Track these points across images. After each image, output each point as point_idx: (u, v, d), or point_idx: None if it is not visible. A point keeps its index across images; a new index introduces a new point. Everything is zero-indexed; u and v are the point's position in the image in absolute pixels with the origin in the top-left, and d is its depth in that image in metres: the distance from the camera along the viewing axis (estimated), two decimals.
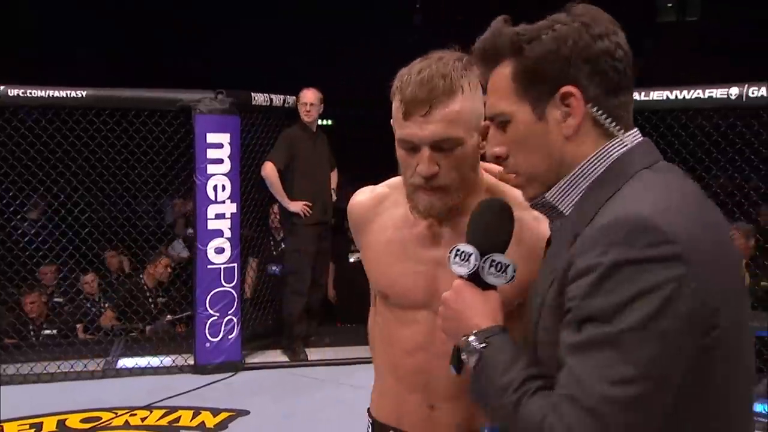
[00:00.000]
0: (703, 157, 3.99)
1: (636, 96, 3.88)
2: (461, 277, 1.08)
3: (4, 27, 6.39)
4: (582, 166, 0.98)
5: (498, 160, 1.05)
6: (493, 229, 1.09)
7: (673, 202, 0.91)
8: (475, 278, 1.07)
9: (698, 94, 3.69)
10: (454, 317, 1.06)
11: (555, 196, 1.01)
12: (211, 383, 4.36)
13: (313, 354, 4.82)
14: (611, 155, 0.97)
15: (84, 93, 4.44)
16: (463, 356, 1.02)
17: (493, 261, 1.07)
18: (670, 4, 8.98)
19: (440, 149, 1.21)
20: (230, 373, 4.51)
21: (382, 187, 1.44)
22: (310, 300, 4.89)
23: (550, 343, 0.94)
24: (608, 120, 0.97)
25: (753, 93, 3.61)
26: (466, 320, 1.04)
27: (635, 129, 1.00)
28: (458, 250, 1.08)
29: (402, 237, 1.35)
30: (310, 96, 4.79)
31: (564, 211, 1.00)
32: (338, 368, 4.58)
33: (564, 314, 0.91)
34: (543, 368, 0.96)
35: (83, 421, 3.76)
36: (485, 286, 1.07)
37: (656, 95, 3.78)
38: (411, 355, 1.34)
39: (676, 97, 3.74)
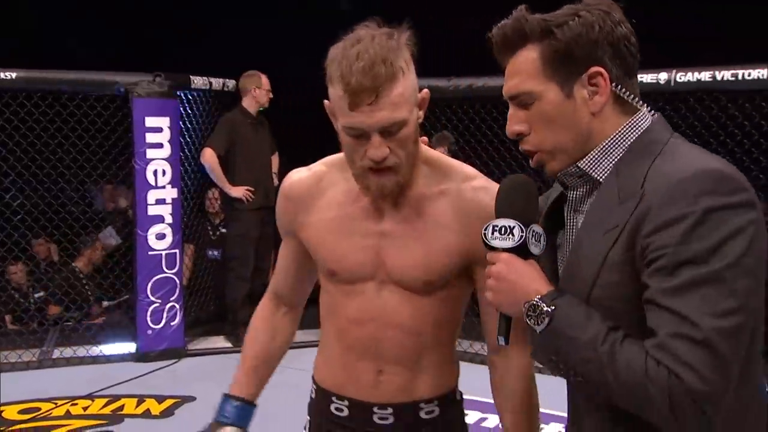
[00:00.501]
0: None
1: None
2: (504, 249, 1.10)
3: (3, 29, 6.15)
4: (615, 136, 1.08)
5: (519, 136, 1.12)
6: (528, 201, 1.14)
7: (722, 160, 1.03)
8: (518, 250, 1.10)
9: None
10: (508, 288, 1.09)
11: (589, 164, 1.09)
12: (154, 371, 4.31)
13: None
14: (640, 126, 1.08)
15: (14, 75, 4.28)
16: (529, 321, 1.06)
17: (533, 231, 1.11)
18: None
19: (388, 133, 1.24)
20: (173, 360, 4.47)
21: (318, 166, 1.44)
22: (253, 285, 4.88)
23: (612, 297, 1.02)
24: (631, 97, 1.08)
25: (681, 78, 3.78)
26: (523, 288, 1.08)
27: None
28: (496, 226, 1.11)
29: (347, 213, 1.37)
30: (268, 81, 4.78)
31: (599, 178, 1.08)
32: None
33: (641, 266, 0.99)
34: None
35: (21, 412, 3.66)
36: (526, 256, 1.10)
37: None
38: (360, 325, 1.37)
39: None
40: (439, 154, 1.41)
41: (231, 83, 4.98)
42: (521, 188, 1.14)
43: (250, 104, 4.77)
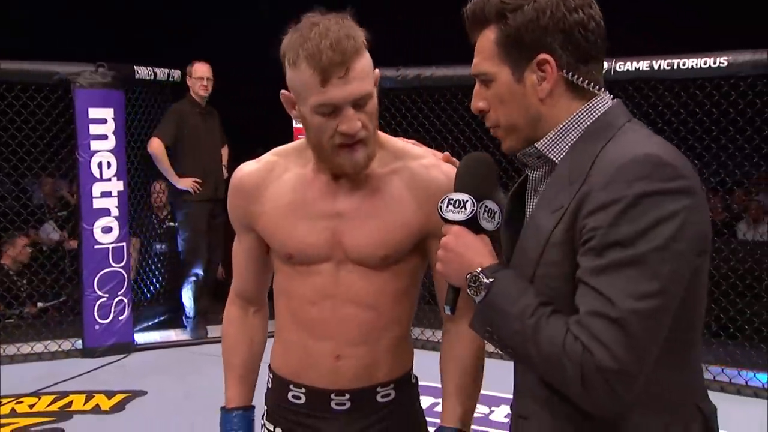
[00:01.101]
0: None
1: None
2: (456, 222, 1.15)
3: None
4: (571, 119, 1.10)
5: (481, 113, 1.16)
6: (484, 177, 1.18)
7: (669, 147, 1.06)
8: (470, 223, 1.15)
9: None
10: (455, 259, 1.13)
11: (545, 145, 1.12)
12: (102, 366, 4.24)
13: (213, 331, 4.78)
14: (597, 110, 1.10)
15: None
16: (469, 292, 1.10)
17: (485, 207, 1.16)
18: None
19: (359, 106, 1.27)
20: (122, 355, 4.40)
21: (267, 156, 1.45)
22: (206, 277, 4.84)
23: (554, 276, 1.05)
24: (585, 82, 1.09)
25: (620, 67, 3.90)
26: (468, 260, 1.12)
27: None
28: (451, 199, 1.16)
29: (302, 197, 1.38)
30: (205, 70, 4.70)
31: (554, 159, 1.11)
32: None
33: (578, 246, 1.02)
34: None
35: None
36: (477, 230, 1.15)
37: None
38: (316, 305, 1.39)
39: None
40: (388, 136, 1.44)
41: (176, 74, 4.91)
42: (478, 165, 1.20)
43: (192, 94, 4.72)
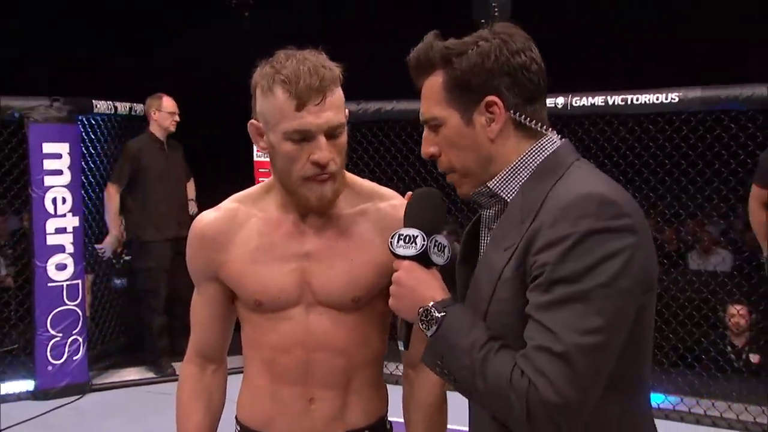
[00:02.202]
0: None
1: None
2: (406, 257, 1.15)
3: None
4: (521, 158, 1.12)
5: (432, 158, 1.17)
6: (433, 213, 1.19)
7: (614, 185, 1.08)
8: (420, 258, 1.15)
9: None
10: (407, 294, 1.13)
11: (497, 185, 1.13)
12: (55, 408, 4.09)
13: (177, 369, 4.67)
14: (546, 149, 1.13)
15: None
16: (421, 326, 1.10)
17: (436, 242, 1.16)
18: (483, 21, 9.52)
19: (332, 136, 1.26)
20: (77, 396, 4.26)
21: (228, 204, 1.41)
22: (173, 315, 4.73)
23: (506, 312, 1.06)
24: (533, 122, 1.12)
25: (576, 102, 3.99)
26: (420, 294, 1.12)
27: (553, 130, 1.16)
28: (401, 235, 1.16)
29: (269, 240, 1.36)
30: (172, 104, 4.65)
31: (506, 198, 1.13)
32: None
33: (528, 282, 1.03)
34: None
35: None
36: (428, 265, 1.15)
37: None
38: (288, 352, 1.36)
39: None
40: (355, 177, 1.44)
41: (139, 107, 4.85)
42: (427, 200, 1.21)
43: (155, 128, 4.64)
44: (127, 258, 4.99)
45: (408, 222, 1.19)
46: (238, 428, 1.45)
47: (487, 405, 1.06)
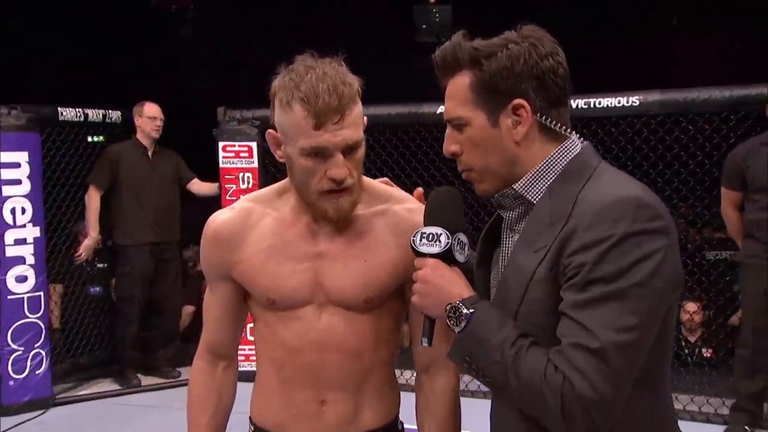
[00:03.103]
0: None
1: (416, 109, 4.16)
2: (431, 255, 1.16)
3: None
4: (547, 160, 1.14)
5: (453, 155, 1.18)
6: (453, 211, 1.20)
7: (643, 187, 1.10)
8: (444, 256, 1.16)
9: None
10: (433, 291, 1.14)
11: (523, 187, 1.15)
12: (18, 424, 3.98)
13: (145, 380, 4.60)
14: (571, 152, 1.15)
15: None
16: (449, 323, 1.11)
17: (458, 239, 1.17)
18: (425, 26, 9.53)
19: (349, 153, 1.27)
20: (40, 411, 4.15)
21: (242, 203, 1.43)
22: (156, 326, 4.65)
23: (538, 312, 1.08)
24: (557, 125, 1.13)
25: None
26: (447, 291, 1.13)
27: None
28: (424, 233, 1.17)
29: (282, 239, 1.36)
30: (156, 110, 4.58)
31: (532, 200, 1.14)
32: (173, 391, 4.39)
33: (562, 282, 1.05)
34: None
35: None
36: (451, 262, 1.16)
37: (439, 109, 4.08)
38: (299, 353, 1.36)
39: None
40: (371, 180, 1.44)
41: (115, 114, 4.76)
42: (448, 199, 1.22)
43: (140, 134, 4.59)
44: (100, 265, 4.89)
45: (430, 220, 1.20)
46: (252, 428, 1.46)
47: (519, 400, 1.07)
